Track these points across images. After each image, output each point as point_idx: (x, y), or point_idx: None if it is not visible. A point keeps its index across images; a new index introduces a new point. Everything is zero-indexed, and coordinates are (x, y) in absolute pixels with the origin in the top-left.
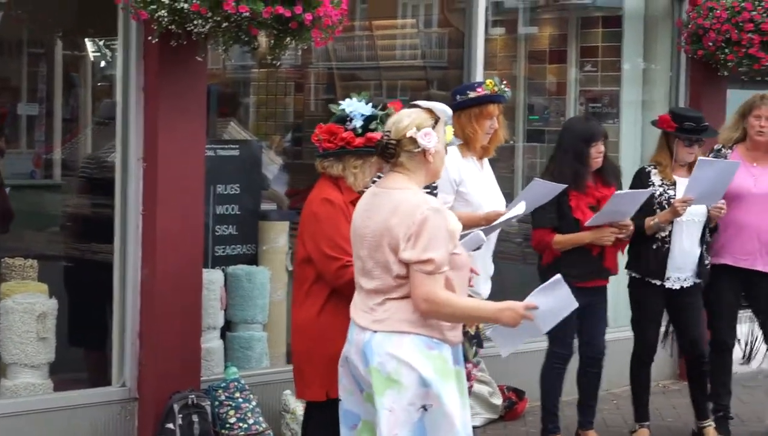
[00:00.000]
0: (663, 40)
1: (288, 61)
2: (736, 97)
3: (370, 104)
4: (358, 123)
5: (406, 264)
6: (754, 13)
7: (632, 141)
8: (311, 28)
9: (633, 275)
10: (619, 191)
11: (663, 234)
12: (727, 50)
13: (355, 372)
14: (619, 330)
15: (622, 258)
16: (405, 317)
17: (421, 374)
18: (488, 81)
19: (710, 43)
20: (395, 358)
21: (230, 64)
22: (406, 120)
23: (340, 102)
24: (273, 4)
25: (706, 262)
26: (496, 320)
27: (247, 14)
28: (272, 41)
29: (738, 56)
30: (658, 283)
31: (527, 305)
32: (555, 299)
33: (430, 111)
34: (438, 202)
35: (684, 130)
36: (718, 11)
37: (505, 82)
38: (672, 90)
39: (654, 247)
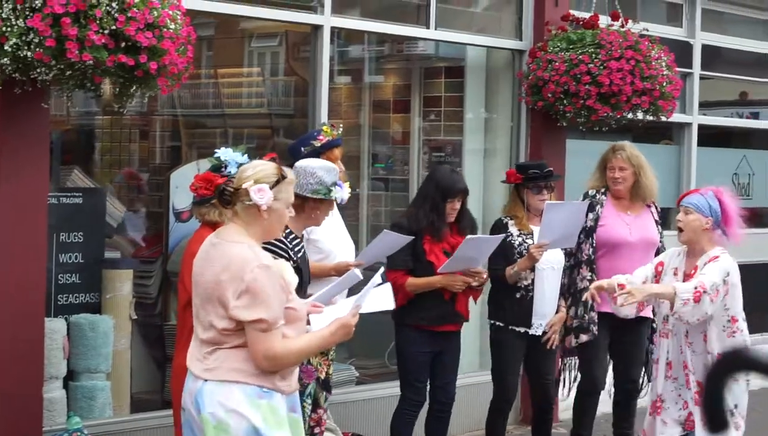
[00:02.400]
0: (504, 91)
1: (133, 108)
2: (575, 147)
3: (246, 155)
4: (233, 170)
5: (238, 321)
6: (591, 65)
7: (475, 189)
8: (157, 76)
9: (497, 323)
10: (471, 236)
11: (525, 283)
12: (565, 101)
13: (191, 420)
14: (463, 377)
15: (474, 306)
16: (234, 366)
17: (251, 422)
18: (325, 127)
19: (549, 95)
20: (224, 407)
21: (75, 111)
22: (250, 171)
23: (216, 151)
24: (116, 52)
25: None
26: (333, 342)
27: (91, 63)
28: (117, 89)
29: (576, 107)
30: (523, 330)
31: (353, 314)
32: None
33: (279, 167)
34: (270, 258)
35: (530, 179)
36: (556, 63)
37: (333, 124)
38: (513, 140)
39: (518, 296)
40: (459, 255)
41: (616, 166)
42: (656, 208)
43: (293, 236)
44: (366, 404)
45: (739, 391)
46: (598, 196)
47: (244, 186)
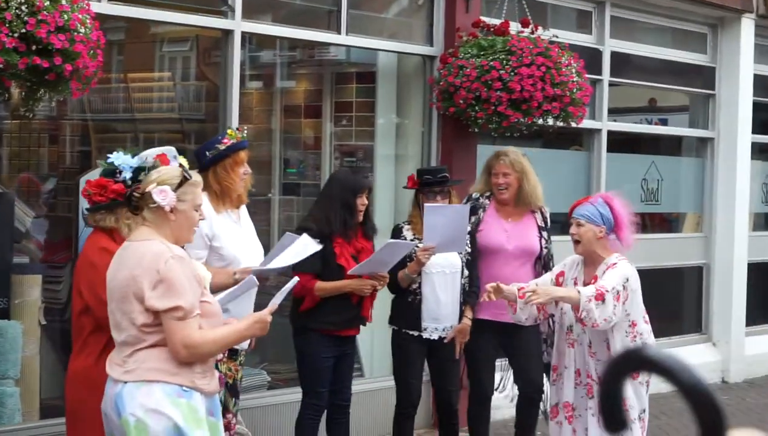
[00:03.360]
0: (416, 97)
1: (42, 112)
2: (486, 152)
3: (137, 157)
4: (127, 175)
5: (154, 313)
6: (502, 72)
7: (387, 194)
8: (70, 79)
9: (394, 328)
10: (391, 240)
11: (414, 286)
12: (477, 108)
13: (112, 425)
14: (375, 380)
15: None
16: (154, 366)
17: (174, 421)
18: (230, 131)
19: (461, 101)
20: (144, 406)
21: None
22: (154, 175)
23: (108, 156)
24: (29, 55)
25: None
26: (251, 335)
27: (1, 66)
28: (24, 93)
29: (488, 113)
30: (415, 333)
31: (270, 311)
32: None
33: (182, 168)
34: (180, 250)
35: (424, 184)
36: (468, 70)
37: (239, 127)
38: (425, 145)
39: (409, 299)
40: (374, 259)
41: (500, 172)
42: (542, 214)
43: None
44: (277, 409)
45: (643, 394)
46: (481, 200)
47: (147, 189)
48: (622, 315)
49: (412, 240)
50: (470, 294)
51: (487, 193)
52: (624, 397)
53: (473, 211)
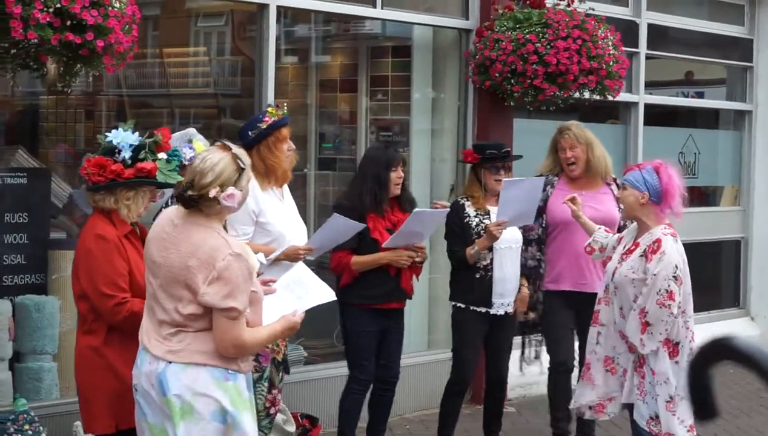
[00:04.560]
0: (451, 71)
1: (79, 88)
2: (522, 126)
3: (137, 133)
4: (126, 154)
5: (207, 307)
6: (538, 45)
7: (423, 168)
8: (103, 54)
9: (458, 304)
10: (418, 209)
11: (485, 263)
12: (513, 81)
13: (147, 399)
14: (410, 356)
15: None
16: (200, 349)
17: (221, 404)
18: (270, 109)
19: (497, 74)
20: (191, 389)
21: (19, 91)
22: (210, 176)
23: (106, 133)
24: (62, 31)
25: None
26: (283, 336)
27: (36, 41)
28: (62, 68)
29: (523, 87)
30: (484, 310)
31: (301, 317)
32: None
33: (235, 158)
34: (238, 244)
35: (487, 159)
36: (503, 43)
37: (278, 103)
38: (460, 119)
39: (477, 276)
40: (405, 230)
41: (566, 146)
42: (618, 185)
43: None
44: (314, 384)
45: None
46: (550, 177)
47: (211, 195)
48: (681, 298)
49: (475, 216)
50: (533, 269)
51: (556, 172)
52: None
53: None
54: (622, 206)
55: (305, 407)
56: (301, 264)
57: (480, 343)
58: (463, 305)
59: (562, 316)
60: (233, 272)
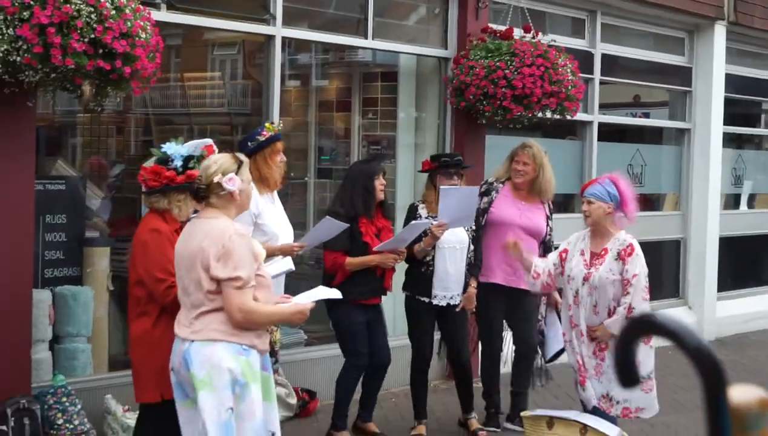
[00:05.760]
0: (432, 93)
1: (110, 107)
2: (492, 142)
3: (186, 147)
4: (178, 163)
5: (217, 281)
6: (507, 71)
7: (407, 179)
8: (130, 79)
9: (407, 294)
10: (414, 221)
11: (428, 258)
12: (485, 102)
13: (180, 378)
14: (395, 339)
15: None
16: (217, 327)
17: (233, 376)
18: (267, 124)
19: (471, 97)
20: (209, 362)
21: (58, 109)
22: (213, 166)
23: (161, 145)
24: (95, 58)
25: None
26: (290, 320)
27: (73, 66)
28: (95, 90)
29: (494, 107)
30: (427, 300)
31: (311, 306)
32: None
33: (234, 155)
34: (242, 228)
35: (442, 166)
36: (477, 70)
37: (275, 122)
38: (440, 135)
39: (422, 270)
40: (399, 237)
41: (521, 160)
42: (550, 206)
43: None
44: (312, 363)
45: (651, 356)
46: (495, 184)
47: (215, 180)
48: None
49: (426, 218)
50: (474, 266)
51: (503, 180)
52: (636, 357)
53: (486, 193)
54: (587, 216)
55: (305, 383)
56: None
57: (430, 327)
58: (410, 294)
59: (494, 307)
60: (237, 247)
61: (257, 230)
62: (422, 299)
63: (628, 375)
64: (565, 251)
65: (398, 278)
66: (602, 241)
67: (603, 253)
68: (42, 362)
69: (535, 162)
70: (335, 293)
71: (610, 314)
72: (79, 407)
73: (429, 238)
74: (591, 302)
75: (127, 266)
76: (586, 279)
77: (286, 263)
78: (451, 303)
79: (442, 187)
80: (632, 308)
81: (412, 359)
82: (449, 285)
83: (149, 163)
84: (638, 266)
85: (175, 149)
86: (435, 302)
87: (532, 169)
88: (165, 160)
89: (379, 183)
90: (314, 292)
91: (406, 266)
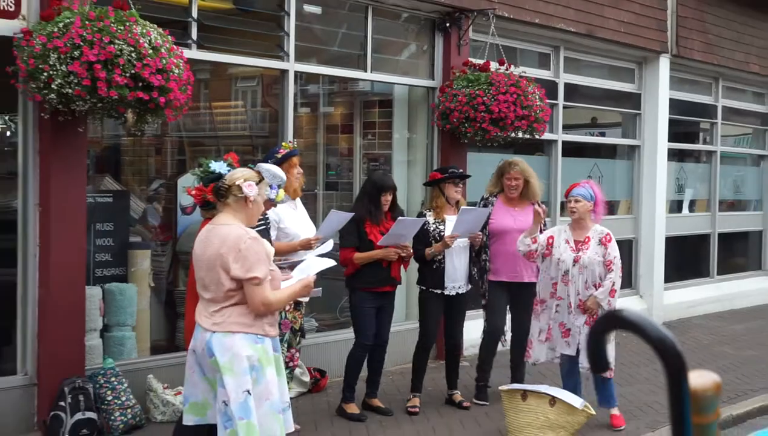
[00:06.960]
0: (421, 117)
1: (149, 131)
2: (473, 158)
3: (221, 163)
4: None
5: (237, 280)
6: (485, 98)
7: (401, 189)
8: (164, 108)
9: (421, 287)
10: (401, 218)
11: (439, 258)
12: (466, 125)
13: (201, 361)
14: (393, 325)
15: (404, 274)
16: (236, 320)
17: (251, 362)
18: (284, 143)
19: (455, 120)
20: (230, 351)
21: (105, 134)
22: (239, 173)
23: (209, 164)
24: (135, 90)
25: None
26: (300, 295)
27: (116, 97)
28: (135, 117)
29: (474, 129)
30: (439, 291)
31: (312, 279)
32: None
33: (258, 173)
34: (254, 232)
35: (450, 176)
36: (460, 97)
37: (290, 141)
38: (428, 153)
39: (434, 267)
40: (392, 232)
41: (512, 177)
42: (539, 205)
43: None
44: (323, 346)
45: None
46: (490, 198)
47: (237, 183)
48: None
49: (433, 223)
50: (477, 262)
51: (495, 193)
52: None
53: (485, 207)
54: (573, 212)
55: (316, 363)
56: (310, 254)
57: (439, 316)
58: (424, 288)
59: (500, 298)
60: (252, 250)
61: (281, 233)
62: (435, 291)
63: (599, 363)
64: (551, 237)
65: (411, 275)
66: (583, 231)
67: (586, 240)
68: (94, 348)
69: (524, 175)
70: (330, 262)
71: (596, 289)
72: (125, 385)
73: (441, 244)
74: (582, 280)
75: (184, 263)
76: (576, 261)
77: (328, 245)
78: (459, 292)
79: (462, 208)
80: (614, 282)
81: (420, 340)
82: (457, 277)
83: (192, 183)
84: (616, 250)
85: (218, 166)
86: (446, 292)
87: (522, 181)
88: (211, 178)
89: (384, 199)
90: (311, 263)
91: (417, 265)
